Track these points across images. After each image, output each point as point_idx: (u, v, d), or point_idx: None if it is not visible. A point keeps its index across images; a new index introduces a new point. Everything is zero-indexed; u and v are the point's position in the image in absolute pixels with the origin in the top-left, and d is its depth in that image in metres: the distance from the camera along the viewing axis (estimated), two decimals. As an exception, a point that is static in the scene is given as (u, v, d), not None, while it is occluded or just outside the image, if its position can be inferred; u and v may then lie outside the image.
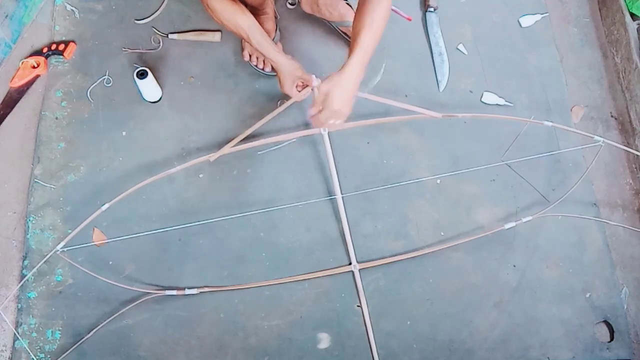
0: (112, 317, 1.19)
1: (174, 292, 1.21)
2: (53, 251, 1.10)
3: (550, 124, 1.20)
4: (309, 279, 1.23)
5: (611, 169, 1.43)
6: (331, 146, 1.20)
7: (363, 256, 1.28)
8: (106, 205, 1.10)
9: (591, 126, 1.46)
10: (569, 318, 1.26)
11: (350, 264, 1.26)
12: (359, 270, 1.25)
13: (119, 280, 1.22)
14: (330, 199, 1.31)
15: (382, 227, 1.31)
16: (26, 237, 1.28)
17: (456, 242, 1.26)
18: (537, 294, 1.28)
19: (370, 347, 1.21)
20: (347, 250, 1.27)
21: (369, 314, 1.21)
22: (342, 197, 1.19)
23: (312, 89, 1.18)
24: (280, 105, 1.40)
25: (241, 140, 1.24)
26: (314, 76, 1.19)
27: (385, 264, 1.25)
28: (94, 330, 1.18)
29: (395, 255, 1.27)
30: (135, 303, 1.19)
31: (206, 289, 1.22)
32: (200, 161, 1.19)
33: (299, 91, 1.23)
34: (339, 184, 1.22)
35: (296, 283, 1.26)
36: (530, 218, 1.26)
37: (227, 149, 1.20)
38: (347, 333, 1.23)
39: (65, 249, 1.12)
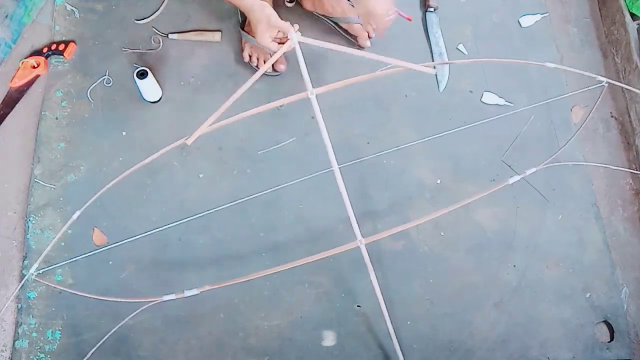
0: (115, 328, 1.17)
1: (173, 297, 1.15)
2: (27, 276, 1.09)
3: (553, 65, 1.15)
4: (315, 259, 1.14)
5: (611, 169, 1.43)
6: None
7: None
8: (77, 214, 1.07)
9: (591, 126, 1.46)
10: (569, 318, 1.26)
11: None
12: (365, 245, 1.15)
13: (118, 282, 1.23)
14: (330, 195, 1.30)
15: (382, 227, 1.31)
16: (26, 237, 1.28)
17: (470, 200, 1.19)
18: (537, 294, 1.28)
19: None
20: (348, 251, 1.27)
21: (380, 291, 1.16)
22: (340, 169, 1.08)
23: (293, 43, 0.99)
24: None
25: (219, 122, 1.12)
26: (288, 25, 1.06)
27: (393, 234, 1.17)
28: (101, 341, 1.17)
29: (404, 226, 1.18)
30: (135, 312, 1.16)
31: (207, 287, 1.19)
32: (178, 145, 1.09)
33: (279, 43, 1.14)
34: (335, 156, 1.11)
35: (296, 283, 1.26)
36: (534, 170, 1.21)
37: (204, 128, 1.08)
38: (347, 333, 1.23)
39: (40, 271, 1.13)
